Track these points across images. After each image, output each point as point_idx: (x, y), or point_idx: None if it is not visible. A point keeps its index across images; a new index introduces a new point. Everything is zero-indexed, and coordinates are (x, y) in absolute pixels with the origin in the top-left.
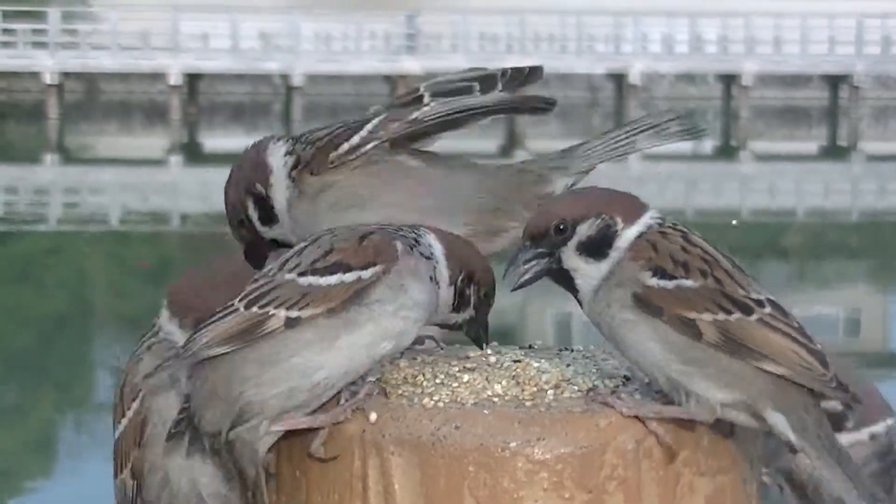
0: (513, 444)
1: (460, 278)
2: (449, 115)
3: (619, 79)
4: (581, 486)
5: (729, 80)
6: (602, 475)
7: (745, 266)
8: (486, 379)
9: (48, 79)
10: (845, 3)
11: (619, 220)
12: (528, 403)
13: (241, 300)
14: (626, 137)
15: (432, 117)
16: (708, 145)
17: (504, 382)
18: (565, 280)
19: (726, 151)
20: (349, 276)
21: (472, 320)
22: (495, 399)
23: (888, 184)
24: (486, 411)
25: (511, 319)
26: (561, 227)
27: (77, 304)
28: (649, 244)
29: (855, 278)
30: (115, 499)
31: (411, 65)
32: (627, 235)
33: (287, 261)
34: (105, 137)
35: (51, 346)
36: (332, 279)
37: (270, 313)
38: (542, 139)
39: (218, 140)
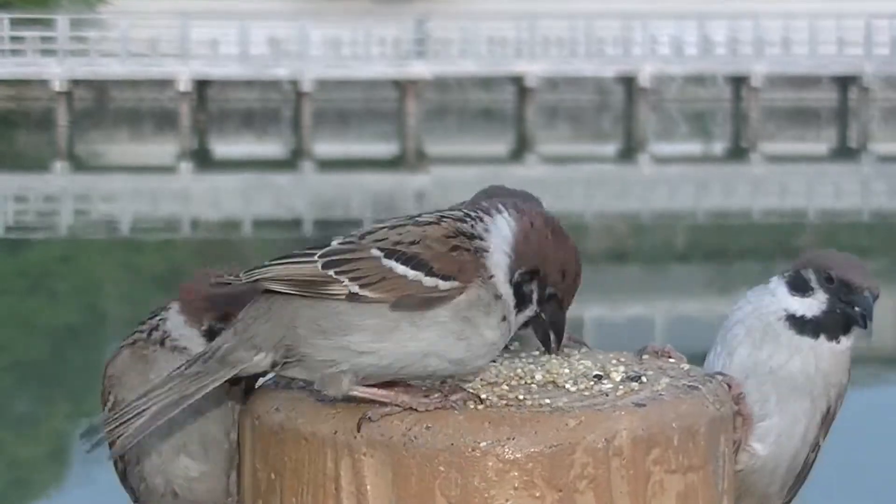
0: (483, 444)
1: (519, 273)
2: None
3: (628, 82)
4: (551, 485)
5: (738, 82)
6: (572, 474)
7: (757, 268)
8: (459, 379)
9: (57, 86)
10: (854, 3)
11: None
12: (499, 403)
13: (320, 255)
14: None
15: None
16: (718, 147)
17: (476, 384)
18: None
19: (736, 153)
20: (428, 280)
21: (536, 319)
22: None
23: None
24: (456, 411)
25: None
26: None
27: (88, 311)
28: None
29: None
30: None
31: (421, 70)
32: None
33: (379, 230)
34: (115, 145)
35: (62, 354)
36: (412, 273)
37: (343, 283)
38: (551, 143)
39: (228, 146)
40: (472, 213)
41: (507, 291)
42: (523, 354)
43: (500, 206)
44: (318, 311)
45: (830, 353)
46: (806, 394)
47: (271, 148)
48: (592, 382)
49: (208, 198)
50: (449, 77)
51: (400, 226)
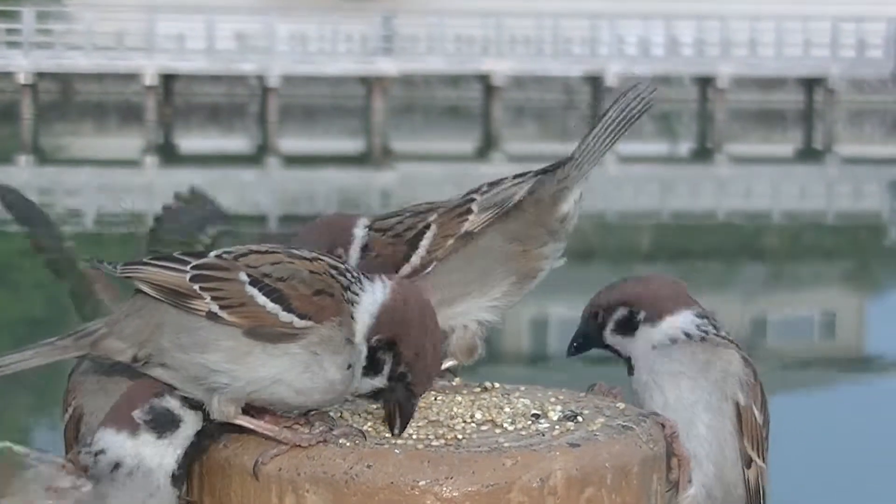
0: (422, 483)
1: (376, 338)
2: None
3: (595, 81)
4: None
5: (705, 83)
6: None
7: (721, 268)
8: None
9: (22, 79)
10: (820, 6)
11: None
12: (434, 443)
13: (193, 266)
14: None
15: (480, 225)
16: (684, 148)
17: (419, 421)
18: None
19: (702, 154)
20: (285, 315)
21: (385, 392)
22: (407, 438)
23: (863, 186)
24: (396, 451)
25: None
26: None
27: (51, 305)
28: None
29: (830, 280)
30: None
31: (387, 66)
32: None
33: (252, 254)
34: (80, 138)
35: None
36: (271, 305)
37: (206, 300)
38: (518, 141)
39: (193, 141)
40: (353, 274)
41: (360, 344)
42: (464, 391)
43: (384, 278)
44: (180, 324)
45: (655, 353)
46: (699, 403)
47: (237, 143)
48: (530, 422)
49: (173, 192)
50: (416, 74)
51: (273, 252)
